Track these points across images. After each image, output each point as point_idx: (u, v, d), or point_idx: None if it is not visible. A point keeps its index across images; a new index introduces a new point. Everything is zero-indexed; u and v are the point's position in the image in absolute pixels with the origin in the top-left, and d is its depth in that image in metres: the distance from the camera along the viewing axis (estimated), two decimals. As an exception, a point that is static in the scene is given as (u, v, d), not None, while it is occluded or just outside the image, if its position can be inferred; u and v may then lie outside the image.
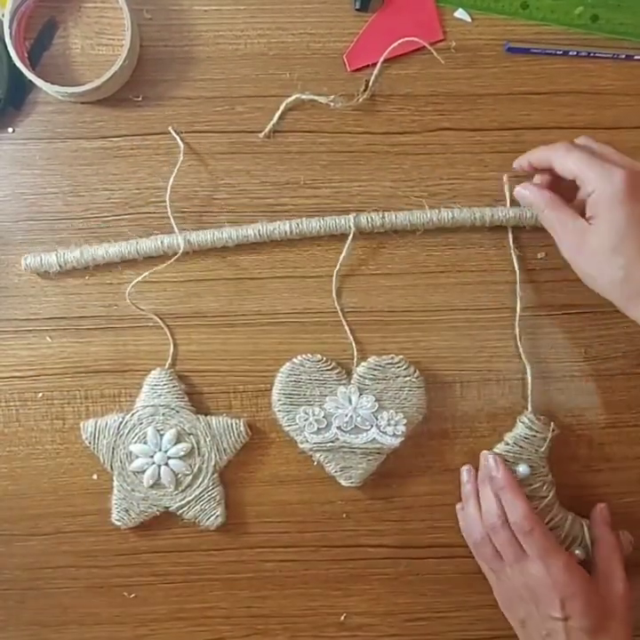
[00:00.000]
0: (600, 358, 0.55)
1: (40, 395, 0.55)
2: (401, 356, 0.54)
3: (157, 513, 0.55)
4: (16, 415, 0.55)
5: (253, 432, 0.55)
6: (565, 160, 0.47)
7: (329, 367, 0.54)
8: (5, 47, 0.50)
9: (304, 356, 0.54)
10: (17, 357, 0.55)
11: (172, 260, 0.52)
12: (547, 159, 0.49)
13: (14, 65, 0.50)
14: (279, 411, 0.54)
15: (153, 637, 0.58)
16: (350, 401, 0.54)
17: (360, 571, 0.57)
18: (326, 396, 0.54)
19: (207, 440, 0.54)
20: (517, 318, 0.54)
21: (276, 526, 0.57)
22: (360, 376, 0.54)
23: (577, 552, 0.53)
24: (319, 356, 0.54)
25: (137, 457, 0.54)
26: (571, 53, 0.53)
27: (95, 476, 0.55)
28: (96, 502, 0.55)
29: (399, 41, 0.52)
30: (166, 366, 0.54)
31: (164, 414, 0.54)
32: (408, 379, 0.54)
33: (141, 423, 0.54)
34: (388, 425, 0.54)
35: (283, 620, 0.58)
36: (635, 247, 0.45)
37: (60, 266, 0.53)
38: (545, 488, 0.54)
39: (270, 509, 0.57)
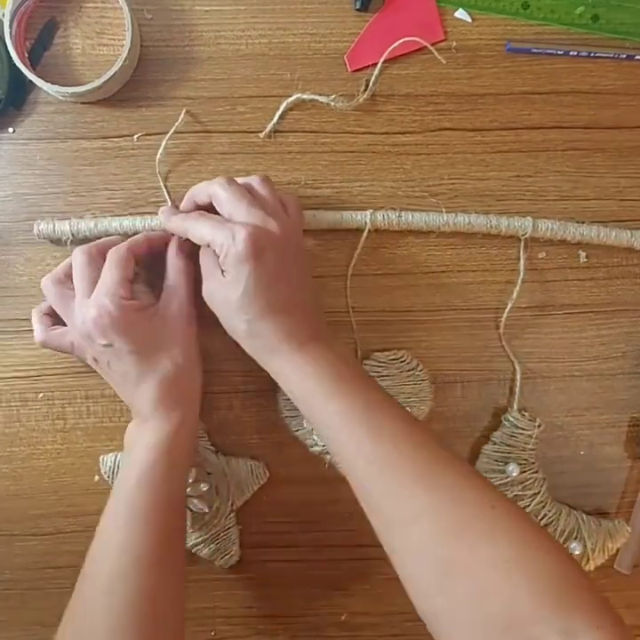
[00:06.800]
0: (600, 358, 0.55)
1: (41, 395, 0.55)
2: (403, 351, 0.54)
3: None
4: (17, 415, 0.55)
5: (254, 432, 0.55)
6: (198, 229, 0.47)
7: None
8: (6, 47, 0.50)
9: None
10: (18, 357, 0.55)
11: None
12: (184, 231, 0.48)
13: (14, 65, 0.50)
14: (286, 417, 0.54)
15: (154, 637, 0.58)
16: (356, 400, 0.54)
17: (360, 571, 0.57)
18: None
19: (226, 480, 0.54)
20: (505, 317, 0.54)
21: (277, 526, 0.57)
22: (364, 375, 0.54)
23: (572, 545, 0.53)
24: None
25: None
26: (571, 53, 0.53)
27: (96, 477, 0.55)
28: (97, 502, 0.55)
29: (400, 41, 0.52)
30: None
31: None
32: (412, 372, 0.54)
33: None
34: None
35: (283, 620, 0.58)
36: (258, 305, 0.46)
37: (72, 234, 0.52)
38: (536, 484, 0.54)
39: (271, 509, 0.57)
